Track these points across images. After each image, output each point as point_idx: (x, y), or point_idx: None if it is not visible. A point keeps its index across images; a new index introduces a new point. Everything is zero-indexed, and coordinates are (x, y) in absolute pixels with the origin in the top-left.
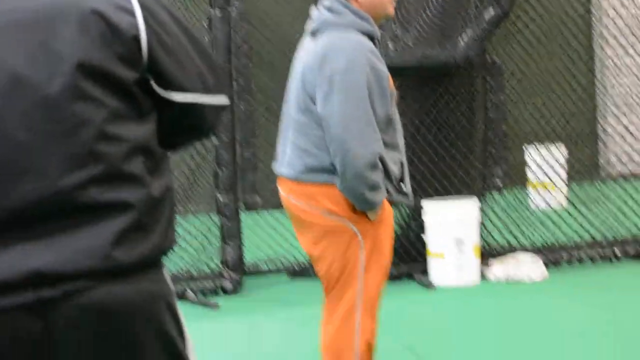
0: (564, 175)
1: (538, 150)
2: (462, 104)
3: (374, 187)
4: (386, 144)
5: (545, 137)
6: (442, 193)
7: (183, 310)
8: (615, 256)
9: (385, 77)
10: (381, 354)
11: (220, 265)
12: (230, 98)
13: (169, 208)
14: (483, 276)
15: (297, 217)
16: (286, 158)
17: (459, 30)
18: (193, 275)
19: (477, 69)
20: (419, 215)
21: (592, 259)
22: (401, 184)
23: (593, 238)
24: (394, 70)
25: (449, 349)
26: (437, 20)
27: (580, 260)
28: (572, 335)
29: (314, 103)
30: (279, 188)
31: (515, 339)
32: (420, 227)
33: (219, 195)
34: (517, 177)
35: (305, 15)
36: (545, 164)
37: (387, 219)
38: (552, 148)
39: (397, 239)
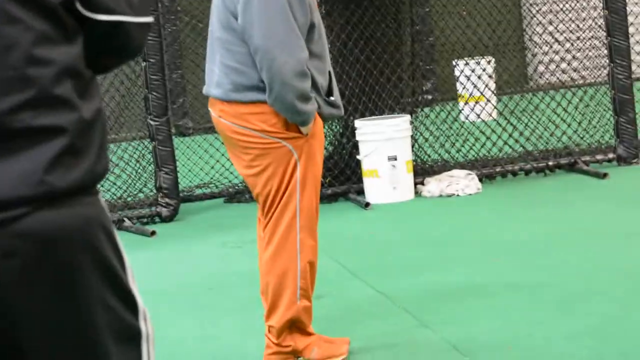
0: (492, 87)
1: (467, 63)
2: (388, 17)
3: (304, 96)
4: (311, 53)
5: (472, 49)
6: (372, 110)
7: (121, 238)
8: (549, 167)
9: None
10: (320, 274)
11: (156, 192)
12: (157, 20)
13: (100, 131)
14: (418, 193)
15: (229, 139)
16: (215, 78)
17: None
18: (128, 202)
19: None
20: (352, 134)
21: (525, 172)
22: (330, 96)
23: (525, 150)
24: None
25: (385, 265)
26: None
27: (514, 174)
28: (505, 248)
29: (236, 19)
30: (210, 110)
31: (449, 252)
32: (354, 146)
33: (150, 120)
34: (447, 91)
35: None
36: (474, 76)
37: (318, 132)
38: (481, 60)
39: (331, 158)
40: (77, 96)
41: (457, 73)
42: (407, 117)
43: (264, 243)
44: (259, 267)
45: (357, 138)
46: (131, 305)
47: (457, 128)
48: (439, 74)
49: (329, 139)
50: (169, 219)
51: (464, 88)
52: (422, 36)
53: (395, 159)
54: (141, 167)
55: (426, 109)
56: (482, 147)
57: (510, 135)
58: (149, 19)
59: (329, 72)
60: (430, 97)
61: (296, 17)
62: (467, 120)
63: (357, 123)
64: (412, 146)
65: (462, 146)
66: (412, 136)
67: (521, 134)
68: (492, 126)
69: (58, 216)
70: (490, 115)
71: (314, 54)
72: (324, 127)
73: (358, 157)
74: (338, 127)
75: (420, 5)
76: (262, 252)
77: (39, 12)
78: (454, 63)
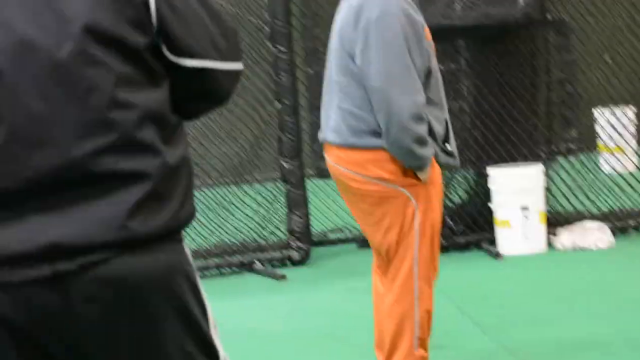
0: (632, 137)
1: (607, 112)
2: (524, 64)
3: (420, 140)
4: (428, 100)
5: (615, 96)
6: (506, 158)
7: (251, 281)
8: None
9: (422, 26)
10: (444, 323)
11: (288, 235)
12: (290, 59)
13: (185, 178)
14: (550, 245)
15: (346, 186)
16: (331, 123)
17: None
18: (260, 245)
19: (537, 26)
20: (485, 182)
21: None
22: (446, 144)
23: None
24: (455, 30)
25: (510, 318)
26: None
27: None
28: (634, 305)
29: (354, 61)
30: (326, 156)
31: (576, 307)
32: (487, 195)
33: (283, 162)
34: (587, 140)
35: None
36: (615, 125)
37: (437, 179)
38: (623, 110)
39: (465, 206)
40: (162, 141)
41: (598, 122)
42: (541, 167)
43: (379, 295)
44: (374, 318)
45: (490, 186)
46: (211, 355)
47: (592, 179)
48: (581, 122)
49: (463, 187)
50: (300, 262)
51: (604, 137)
52: (565, 84)
53: (528, 209)
54: (273, 210)
55: (564, 159)
56: (617, 199)
57: None
58: (238, 66)
59: (446, 120)
60: (572, 146)
61: (414, 61)
62: (605, 171)
63: (490, 171)
64: (546, 196)
65: (597, 197)
66: (545, 186)
67: None
68: (629, 178)
69: (140, 262)
70: (629, 168)
71: (431, 100)
72: (442, 174)
73: (490, 205)
74: (472, 175)
75: (566, 52)
76: (377, 304)
77: (123, 55)
78: (594, 112)
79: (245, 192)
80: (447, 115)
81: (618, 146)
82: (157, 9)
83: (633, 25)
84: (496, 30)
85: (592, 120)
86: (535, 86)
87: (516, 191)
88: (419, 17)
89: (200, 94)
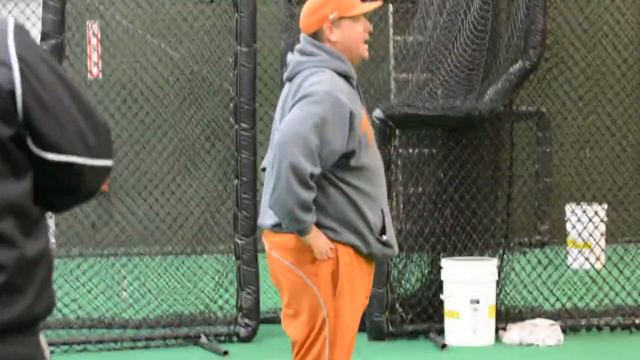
0: (602, 236)
1: (579, 207)
2: (486, 158)
3: (304, 205)
4: (364, 193)
5: (587, 193)
6: (462, 250)
7: (194, 356)
8: (635, 325)
9: (350, 113)
10: None
11: (236, 310)
12: (253, 136)
13: (44, 270)
14: (498, 339)
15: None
16: (270, 210)
17: (486, 82)
18: (208, 319)
19: (503, 120)
20: (438, 272)
21: (611, 328)
22: (383, 236)
23: (624, 303)
24: (420, 119)
25: None
26: (463, 71)
27: (599, 328)
28: None
29: None
30: (264, 242)
31: None
32: (440, 285)
33: (237, 239)
34: (557, 235)
35: None
36: (585, 222)
37: (362, 269)
38: (593, 205)
39: (416, 295)
40: (21, 233)
41: (568, 216)
42: (494, 261)
43: None
44: None
45: (442, 277)
46: None
47: (554, 274)
48: (551, 216)
49: (416, 275)
50: (247, 339)
51: (572, 233)
52: (540, 176)
53: (478, 302)
54: (224, 284)
55: (528, 252)
56: (569, 299)
57: (610, 288)
58: (107, 163)
59: (382, 210)
60: (540, 238)
61: (329, 140)
62: (572, 267)
63: (444, 262)
64: (499, 290)
65: (552, 294)
66: (498, 280)
67: (624, 288)
68: (594, 275)
69: None
70: (596, 264)
71: (364, 192)
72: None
73: (441, 296)
74: (426, 263)
75: (543, 144)
76: None
77: None
78: (567, 207)
79: (198, 264)
80: (384, 206)
81: (585, 242)
82: (24, 101)
83: (611, 125)
84: (460, 122)
85: (563, 214)
86: (497, 180)
87: (468, 283)
88: (353, 105)
89: (65, 189)
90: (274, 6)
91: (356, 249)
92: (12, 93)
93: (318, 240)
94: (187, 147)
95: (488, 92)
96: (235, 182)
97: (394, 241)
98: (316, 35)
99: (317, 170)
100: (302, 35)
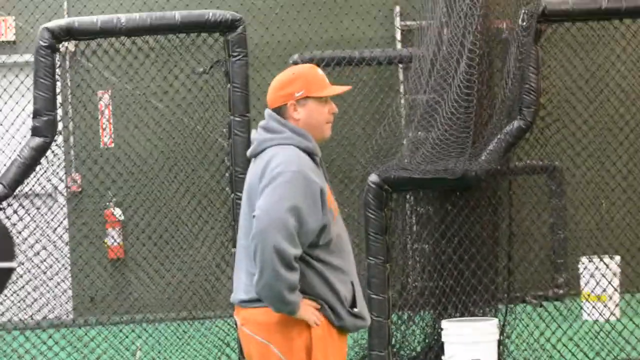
0: (616, 290)
1: (594, 261)
2: (484, 218)
3: (292, 287)
4: (334, 267)
5: (601, 246)
6: (462, 311)
7: None
8: None
9: (320, 190)
10: None
11: None
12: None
13: None
14: None
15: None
16: (242, 286)
17: (481, 142)
18: None
19: (500, 181)
20: (439, 334)
21: None
22: (354, 308)
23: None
24: (415, 182)
25: None
26: (453, 134)
27: None
28: None
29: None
30: (236, 318)
31: None
32: (442, 346)
33: None
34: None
35: None
36: (599, 276)
37: (336, 343)
38: (605, 258)
39: (418, 356)
40: None
41: (580, 269)
42: (495, 321)
43: None
44: None
45: (443, 339)
46: None
47: (563, 331)
48: (566, 269)
49: (417, 337)
50: None
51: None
52: (555, 229)
53: None
54: (225, 352)
55: (531, 307)
56: (584, 355)
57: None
58: (9, 265)
59: (352, 283)
60: (560, 291)
61: (304, 218)
62: (587, 319)
63: (444, 324)
64: (501, 350)
65: (565, 349)
66: (499, 340)
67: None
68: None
69: None
70: (611, 315)
71: (333, 265)
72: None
73: (443, 358)
74: (427, 326)
75: (556, 197)
76: None
77: None
78: (581, 260)
79: (198, 329)
80: (354, 279)
81: (598, 296)
82: None
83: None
84: (457, 184)
85: (576, 267)
86: (496, 239)
87: (468, 344)
88: (320, 181)
89: None
90: (268, 74)
91: (329, 322)
92: None
93: (307, 312)
94: (184, 218)
95: (484, 153)
96: (233, 250)
97: (365, 313)
98: (280, 111)
99: (299, 252)
100: (267, 111)
